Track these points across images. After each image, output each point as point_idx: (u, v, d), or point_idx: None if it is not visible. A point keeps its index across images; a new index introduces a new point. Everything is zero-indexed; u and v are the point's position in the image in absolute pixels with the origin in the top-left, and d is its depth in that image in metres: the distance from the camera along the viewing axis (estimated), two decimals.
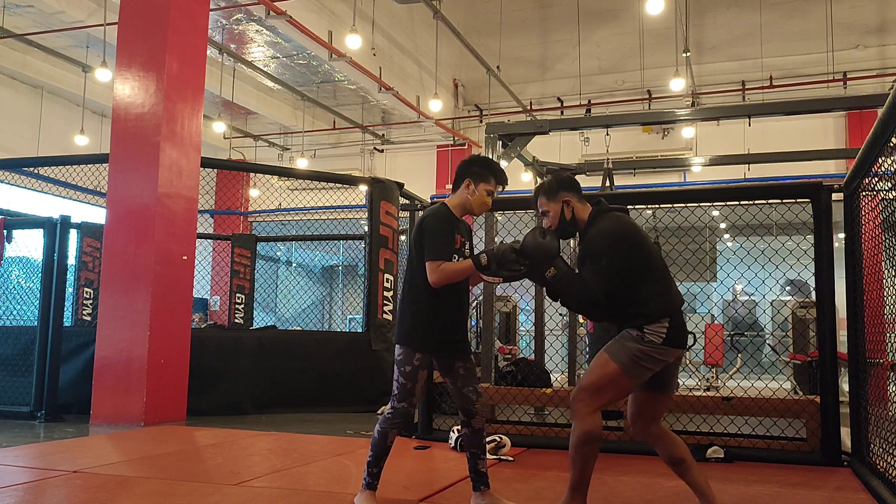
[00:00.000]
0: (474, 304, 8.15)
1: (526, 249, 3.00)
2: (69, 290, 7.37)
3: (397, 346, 3.22)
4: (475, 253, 3.21)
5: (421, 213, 5.74)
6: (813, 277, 4.72)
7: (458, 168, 3.33)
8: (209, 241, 13.81)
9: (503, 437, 4.76)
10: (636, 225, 3.07)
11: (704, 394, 6.44)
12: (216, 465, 4.41)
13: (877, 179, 4.02)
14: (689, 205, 5.56)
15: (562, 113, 15.90)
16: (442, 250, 3.14)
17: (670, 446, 2.99)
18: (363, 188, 9.14)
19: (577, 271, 3.03)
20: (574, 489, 2.94)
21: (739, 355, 11.11)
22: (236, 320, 11.15)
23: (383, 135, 17.80)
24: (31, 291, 7.04)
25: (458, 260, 3.19)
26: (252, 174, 16.95)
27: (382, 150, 18.06)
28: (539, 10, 16.49)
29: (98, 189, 8.45)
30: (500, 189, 3.34)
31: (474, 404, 3.24)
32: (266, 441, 5.34)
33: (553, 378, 7.68)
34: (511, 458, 4.54)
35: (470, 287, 3.40)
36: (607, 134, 11.20)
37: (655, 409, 3.04)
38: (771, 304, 18.10)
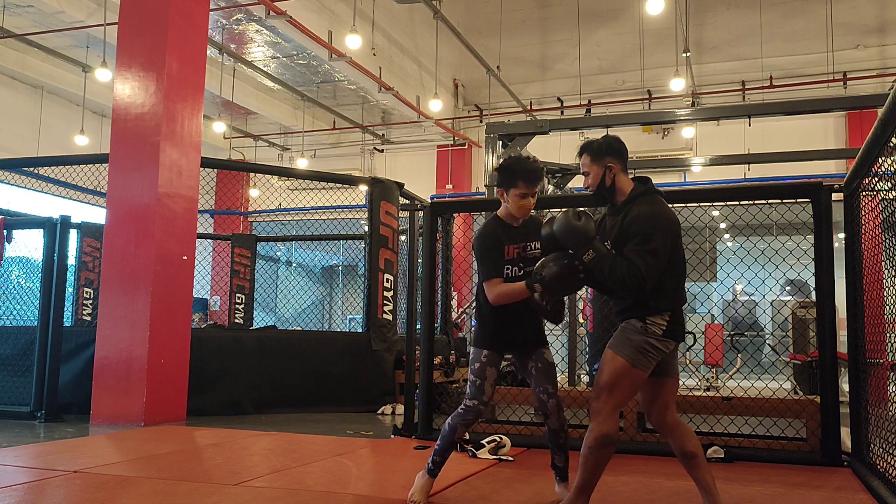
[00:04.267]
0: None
1: (559, 234, 2.96)
2: (69, 290, 7.37)
3: (471, 347, 3.38)
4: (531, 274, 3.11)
5: (421, 213, 5.75)
6: (813, 277, 4.72)
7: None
8: (209, 241, 13.81)
9: (503, 437, 4.76)
10: (675, 213, 3.05)
11: (704, 394, 6.43)
12: (216, 465, 4.41)
13: (877, 179, 4.03)
14: (689, 205, 5.56)
15: (562, 113, 15.92)
16: (491, 270, 3.22)
17: (684, 439, 2.98)
18: (363, 188, 9.14)
19: (612, 249, 2.96)
20: (581, 490, 2.93)
21: (739, 355, 11.12)
22: (236, 320, 11.15)
23: (383, 135, 17.80)
24: (31, 291, 7.04)
25: (514, 270, 3.23)
26: (252, 174, 16.96)
27: (382, 150, 18.06)
28: (539, 10, 16.49)
29: (98, 189, 8.45)
30: (537, 187, 3.25)
31: (546, 405, 3.29)
32: (266, 441, 5.34)
33: None
34: (511, 458, 4.54)
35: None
36: (607, 134, 11.17)
37: (665, 395, 3.03)
38: (771, 304, 18.09)
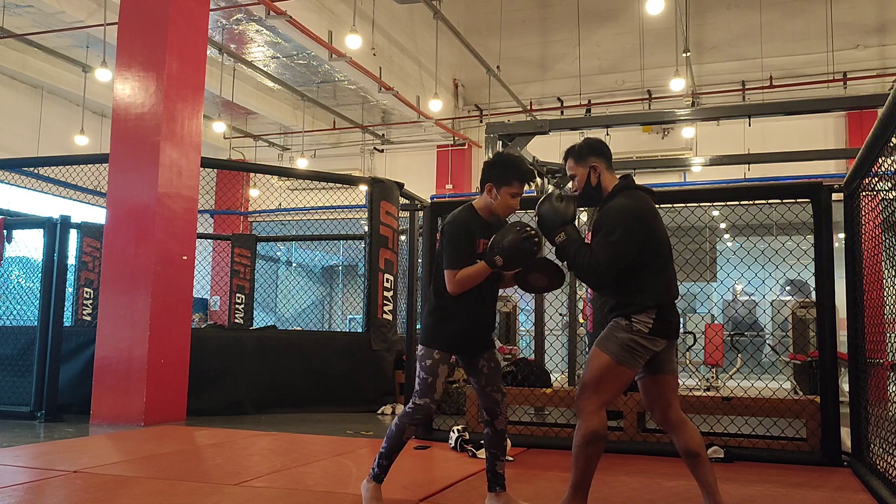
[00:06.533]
0: None
1: (539, 213, 3.01)
2: (69, 290, 7.37)
3: (419, 345, 3.22)
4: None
5: (421, 213, 5.75)
6: (813, 277, 4.72)
7: (482, 169, 3.25)
8: (209, 241, 13.81)
9: None
10: (655, 209, 3.05)
11: (704, 394, 6.43)
12: (216, 465, 4.41)
13: (877, 179, 4.03)
14: (689, 205, 5.55)
15: (562, 113, 15.92)
16: (458, 259, 3.09)
17: (687, 438, 2.98)
18: (363, 188, 9.14)
19: (587, 240, 3.01)
20: (576, 488, 2.93)
21: (739, 355, 11.11)
22: (236, 320, 11.15)
23: (383, 135, 17.81)
24: (31, 291, 7.03)
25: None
26: (252, 174, 16.97)
27: (382, 150, 18.06)
28: (539, 10, 16.49)
29: (98, 189, 8.45)
30: (528, 187, 3.22)
31: (498, 405, 3.22)
32: (266, 441, 5.34)
33: (553, 378, 7.67)
34: (511, 458, 4.53)
35: (504, 287, 3.32)
36: (607, 134, 11.18)
37: (665, 392, 3.03)
38: (771, 304, 18.09)
